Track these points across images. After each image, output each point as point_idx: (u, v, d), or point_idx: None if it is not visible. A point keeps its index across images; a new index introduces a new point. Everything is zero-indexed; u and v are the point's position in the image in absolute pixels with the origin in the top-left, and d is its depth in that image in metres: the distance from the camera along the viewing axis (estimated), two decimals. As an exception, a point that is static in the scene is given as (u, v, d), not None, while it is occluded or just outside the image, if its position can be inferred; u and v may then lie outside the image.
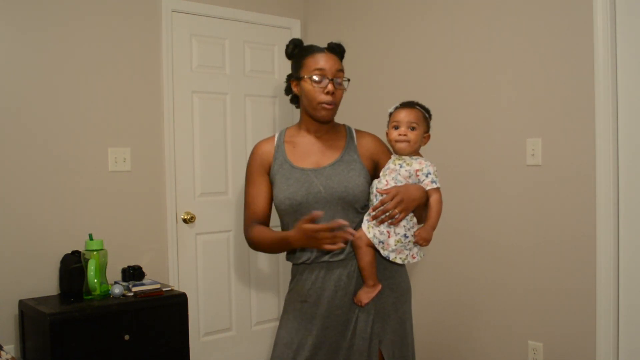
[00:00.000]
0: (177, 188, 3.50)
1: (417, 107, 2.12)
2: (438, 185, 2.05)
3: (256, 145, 2.22)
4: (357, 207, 2.08)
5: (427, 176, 2.03)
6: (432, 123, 2.15)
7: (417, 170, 2.04)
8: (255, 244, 2.14)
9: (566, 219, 2.82)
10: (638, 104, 2.61)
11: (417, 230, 2.04)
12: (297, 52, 2.17)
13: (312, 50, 2.13)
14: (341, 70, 2.12)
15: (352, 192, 2.06)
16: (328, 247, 1.89)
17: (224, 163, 3.71)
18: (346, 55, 2.22)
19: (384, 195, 2.00)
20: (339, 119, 2.28)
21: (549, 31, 2.84)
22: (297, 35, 3.96)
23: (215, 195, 3.67)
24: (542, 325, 2.92)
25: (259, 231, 2.12)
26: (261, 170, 2.16)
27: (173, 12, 3.47)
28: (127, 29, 3.30)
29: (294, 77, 2.16)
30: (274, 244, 2.08)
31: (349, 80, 2.16)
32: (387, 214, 1.97)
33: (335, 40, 2.21)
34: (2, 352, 2.37)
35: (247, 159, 2.24)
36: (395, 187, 2.01)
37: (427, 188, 2.04)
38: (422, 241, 2.01)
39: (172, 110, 3.47)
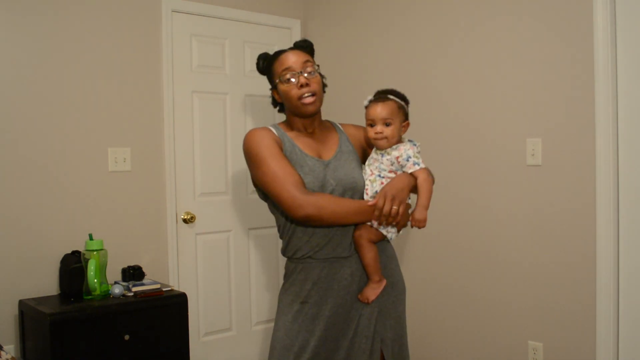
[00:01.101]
0: (177, 188, 3.50)
1: (391, 97, 2.08)
2: (421, 165, 2.03)
3: (256, 129, 2.10)
4: (362, 197, 2.07)
5: (407, 160, 2.02)
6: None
7: (397, 157, 2.04)
8: (328, 212, 1.93)
9: (566, 219, 2.82)
10: (638, 104, 2.61)
11: (410, 213, 2.03)
12: (267, 64, 2.15)
13: (277, 54, 2.12)
14: (308, 61, 2.08)
15: (359, 182, 2.06)
16: (383, 223, 1.97)
17: (224, 163, 3.71)
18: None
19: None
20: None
21: (549, 31, 2.84)
22: (297, 35, 3.95)
23: (215, 195, 3.67)
24: (542, 325, 2.92)
25: (331, 197, 1.97)
26: (278, 146, 2.05)
27: (173, 12, 3.47)
28: (127, 29, 3.30)
29: (272, 87, 2.15)
30: (353, 208, 1.96)
31: (318, 66, 2.12)
32: (389, 214, 1.96)
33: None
34: (2, 352, 2.37)
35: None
36: (381, 189, 2.00)
37: (410, 171, 2.02)
38: (417, 223, 1.99)
39: (172, 110, 3.47)
